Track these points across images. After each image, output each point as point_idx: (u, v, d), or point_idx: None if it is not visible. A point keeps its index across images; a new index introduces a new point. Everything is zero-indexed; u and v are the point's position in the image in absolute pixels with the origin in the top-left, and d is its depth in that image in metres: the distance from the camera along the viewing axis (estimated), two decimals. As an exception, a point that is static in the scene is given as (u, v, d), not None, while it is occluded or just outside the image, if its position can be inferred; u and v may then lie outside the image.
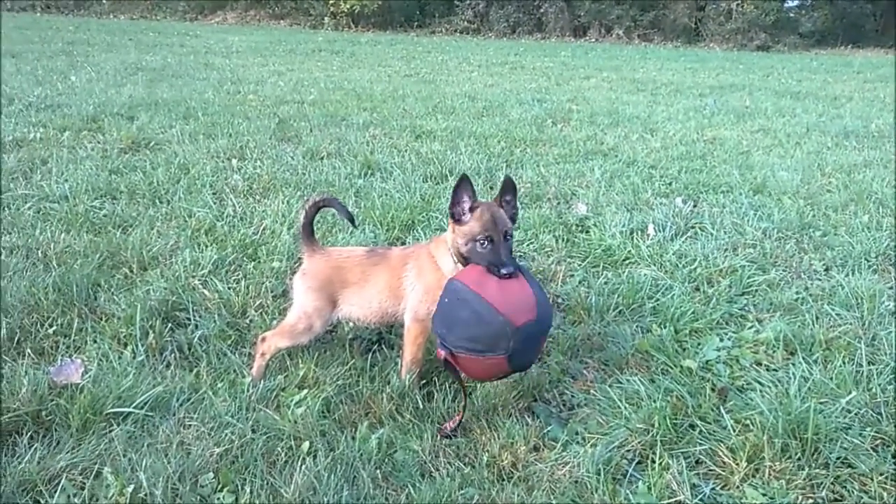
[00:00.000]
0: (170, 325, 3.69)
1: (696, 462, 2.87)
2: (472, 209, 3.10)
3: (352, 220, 3.54)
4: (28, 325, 3.60)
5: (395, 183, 6.40)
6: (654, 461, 2.82)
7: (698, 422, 3.05)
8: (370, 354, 3.51)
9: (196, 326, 3.71)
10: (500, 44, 26.27)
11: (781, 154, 8.73)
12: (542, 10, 29.69)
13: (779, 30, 31.50)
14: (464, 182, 3.09)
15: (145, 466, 2.58)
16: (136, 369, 3.21)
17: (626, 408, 3.13)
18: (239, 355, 3.50)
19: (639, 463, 2.86)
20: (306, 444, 2.77)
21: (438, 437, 2.92)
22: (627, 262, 4.89)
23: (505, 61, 20.77)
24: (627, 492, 2.66)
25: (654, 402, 3.11)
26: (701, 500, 2.67)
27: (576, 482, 2.71)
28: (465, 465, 2.79)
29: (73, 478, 2.56)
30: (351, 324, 3.62)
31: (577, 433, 3.03)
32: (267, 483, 2.57)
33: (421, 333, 3.26)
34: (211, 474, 2.60)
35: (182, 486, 2.53)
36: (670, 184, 6.95)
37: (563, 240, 5.22)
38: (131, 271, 4.31)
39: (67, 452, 2.67)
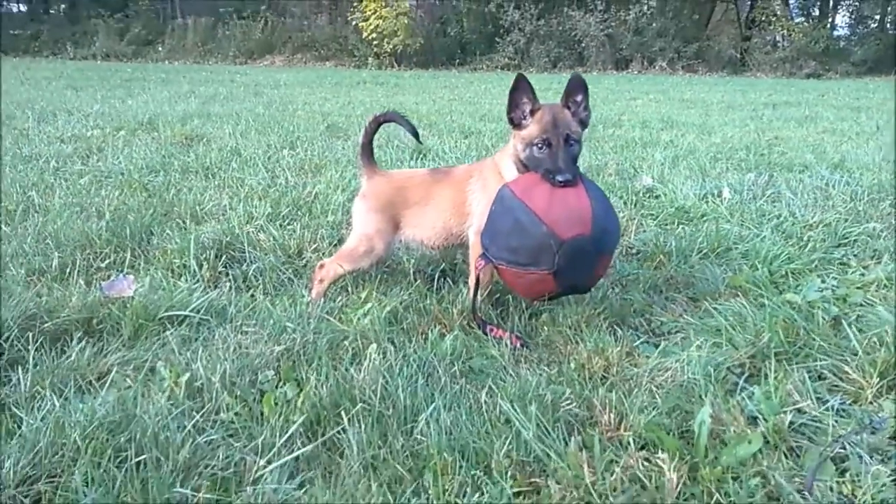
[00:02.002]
0: (224, 258, 3.49)
1: (819, 377, 2.51)
2: (532, 112, 2.84)
3: (416, 135, 3.30)
4: (80, 259, 3.44)
5: (450, 163, 6.19)
6: (766, 375, 2.47)
7: (816, 340, 2.69)
8: (434, 283, 3.24)
9: (251, 262, 3.50)
10: (542, 76, 26.23)
11: (855, 146, 8.27)
12: (582, 45, 29.66)
13: (829, 58, 30.78)
14: (521, 83, 2.83)
15: (202, 359, 2.35)
16: (189, 289, 3.00)
17: (728, 328, 2.78)
18: (298, 283, 3.27)
19: (749, 377, 2.51)
20: (374, 346, 2.50)
21: (517, 346, 2.62)
22: (704, 218, 4.55)
23: (548, 87, 20.62)
24: (742, 397, 2.31)
25: (763, 322, 2.76)
26: (827, 410, 2.30)
27: (681, 386, 2.37)
28: (550, 370, 2.48)
29: (125, 372, 2.34)
30: (412, 252, 3.36)
31: (670, 350, 2.69)
32: (333, 376, 2.30)
33: None
34: (271, 371, 2.35)
35: (240, 380, 2.28)
36: (739, 164, 6.59)
37: (630, 203, 4.91)
38: (184, 222, 4.15)
39: (118, 353, 2.46)
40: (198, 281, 3.18)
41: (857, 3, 35.86)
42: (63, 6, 36.39)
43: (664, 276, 3.54)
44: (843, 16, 36.72)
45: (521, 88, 2.82)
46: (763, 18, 31.87)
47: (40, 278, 3.17)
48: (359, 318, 2.70)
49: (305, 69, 28.21)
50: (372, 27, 28.29)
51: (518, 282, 2.71)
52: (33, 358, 2.38)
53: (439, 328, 2.74)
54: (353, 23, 29.30)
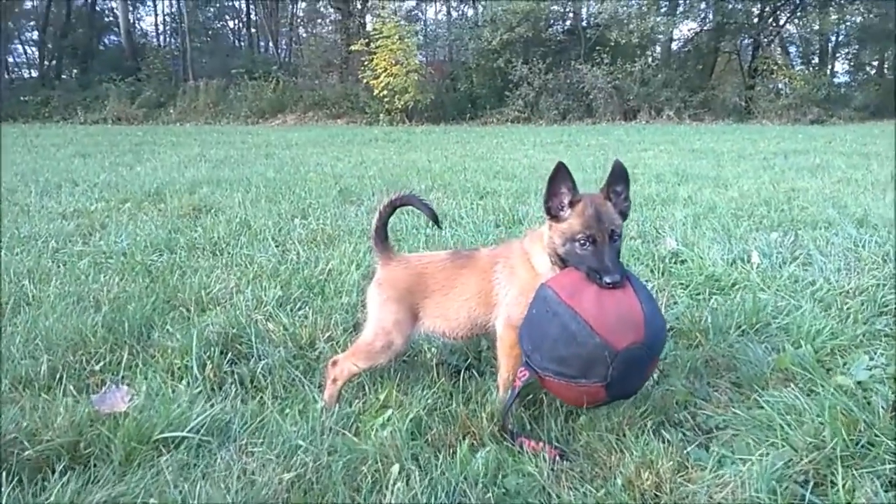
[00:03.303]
0: (230, 355, 3.26)
1: (890, 483, 2.23)
2: (572, 203, 2.63)
3: (436, 220, 3.10)
4: (72, 361, 3.20)
5: (467, 230, 6.00)
6: (833, 482, 2.20)
7: (881, 437, 2.41)
8: (459, 378, 2.99)
9: (259, 357, 3.28)
10: (552, 128, 26.40)
11: (873, 197, 8.04)
12: (591, 97, 29.92)
13: (831, 104, 30.97)
14: (561, 171, 2.62)
15: (200, 497, 2.10)
16: (190, 398, 2.76)
17: (783, 425, 2.51)
18: (309, 384, 3.03)
19: (816, 485, 2.23)
20: (396, 467, 2.25)
21: (556, 459, 2.36)
22: (736, 287, 4.30)
23: (559, 140, 20.69)
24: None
25: (819, 417, 2.50)
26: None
27: (744, 506, 2.10)
28: (595, 488, 2.21)
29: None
30: (434, 343, 3.13)
31: (724, 456, 2.42)
32: (351, 508, 2.04)
33: (517, 342, 2.71)
34: None
35: (246, 517, 2.03)
36: (761, 221, 6.36)
37: (657, 270, 4.68)
38: (188, 311, 3.94)
39: (107, 488, 2.20)
40: (200, 386, 2.94)
41: (855, 51, 36.33)
42: (75, 71, 37.21)
43: (703, 356, 3.29)
44: (843, 63, 37.20)
45: (560, 178, 2.62)
46: (765, 67, 32.24)
47: (26, 389, 2.93)
48: (377, 430, 2.45)
49: (317, 127, 28.47)
50: (382, 84, 28.67)
51: (565, 393, 2.49)
52: (6, 499, 2.14)
53: (468, 438, 2.48)
54: (364, 81, 29.70)
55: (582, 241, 2.54)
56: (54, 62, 37.89)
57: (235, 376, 3.10)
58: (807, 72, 33.04)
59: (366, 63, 29.43)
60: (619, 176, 2.67)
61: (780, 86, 32.11)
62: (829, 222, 6.19)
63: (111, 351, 3.32)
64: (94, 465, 2.35)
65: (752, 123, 29.63)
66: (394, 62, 28.46)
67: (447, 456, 2.36)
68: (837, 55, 36.46)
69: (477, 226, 6.17)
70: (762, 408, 2.73)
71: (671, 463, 2.27)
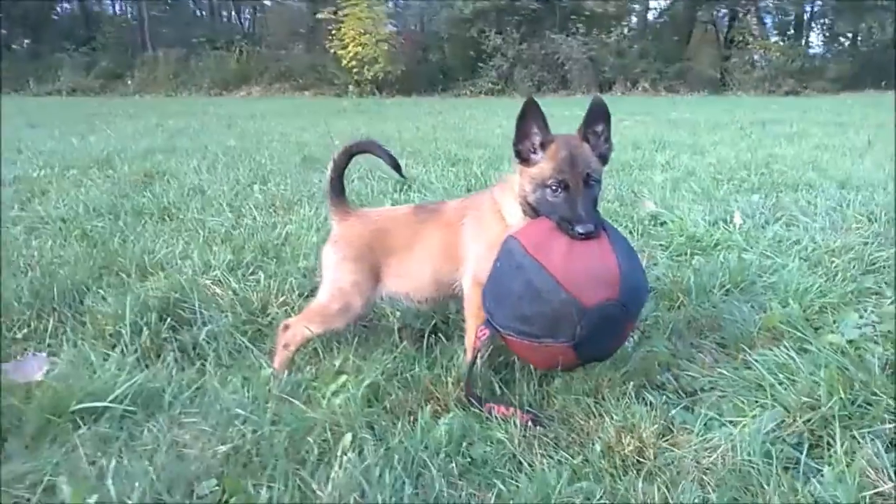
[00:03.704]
0: (170, 320, 2.95)
1: (892, 444, 2.03)
2: (543, 145, 2.34)
3: (397, 167, 2.79)
4: (-11, 329, 2.87)
5: (437, 195, 5.70)
6: (830, 444, 1.99)
7: (880, 396, 2.21)
8: (423, 342, 2.71)
9: (204, 323, 2.97)
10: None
11: (852, 162, 7.90)
12: (566, 68, 29.57)
13: (806, 75, 31.09)
14: (532, 108, 2.33)
15: (118, 473, 1.81)
16: (118, 366, 2.45)
17: (774, 385, 2.30)
18: (258, 351, 2.74)
19: (811, 447, 2.02)
20: (348, 437, 1.98)
21: (528, 425, 2.11)
22: (718, 247, 4.09)
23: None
24: (814, 482, 1.83)
25: (813, 375, 2.29)
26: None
27: (735, 471, 1.87)
28: (571, 455, 1.96)
29: (15, 493, 1.79)
30: (398, 307, 2.85)
31: (711, 418, 2.20)
32: (294, 485, 1.77)
33: None
34: (213, 480, 1.82)
35: (170, 497, 1.74)
36: (741, 184, 6.17)
37: (636, 232, 4.45)
38: (128, 276, 3.60)
39: (14, 463, 1.91)
40: (136, 352, 2.64)
41: (829, 22, 36.37)
42: (26, 41, 35.55)
43: (685, 317, 3.07)
44: (818, 34, 37.24)
45: (530, 115, 2.33)
46: (741, 38, 32.13)
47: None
48: (330, 398, 2.18)
49: (283, 99, 27.73)
50: (351, 55, 27.99)
51: (530, 354, 2.24)
52: None
53: (432, 405, 2.22)
54: (332, 51, 28.97)
55: (553, 187, 2.27)
56: (3, 31, 36.11)
57: (176, 343, 2.80)
58: (782, 43, 33.06)
59: (333, 32, 28.66)
60: (598, 114, 2.39)
61: (755, 57, 32.11)
62: (810, 184, 6.02)
63: (37, 318, 2.99)
64: (5, 440, 2.04)
65: (727, 95, 29.62)
66: (362, 31, 27.78)
67: (407, 424, 2.10)
68: (812, 26, 36.50)
69: (447, 191, 5.87)
70: (750, 368, 2.52)
71: (655, 427, 2.04)
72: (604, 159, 2.40)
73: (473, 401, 2.23)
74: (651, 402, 2.22)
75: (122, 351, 2.67)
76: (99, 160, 7.93)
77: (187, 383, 2.38)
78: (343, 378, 2.31)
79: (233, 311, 3.10)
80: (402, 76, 29.05)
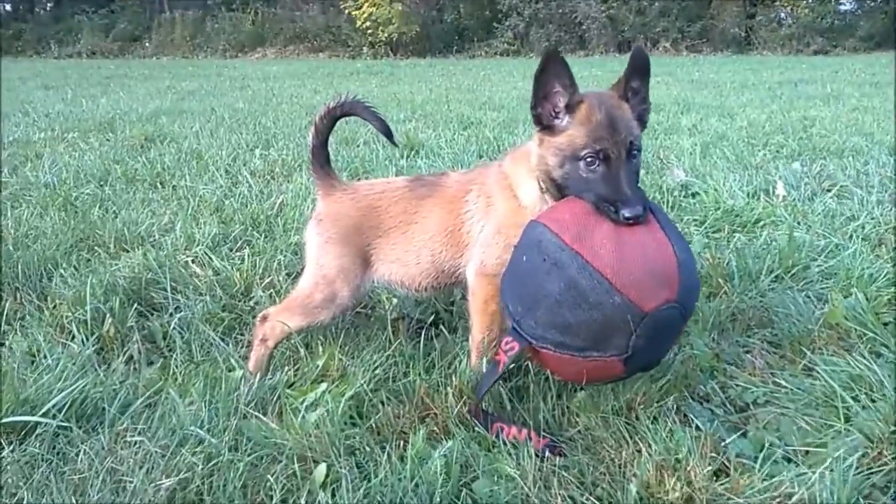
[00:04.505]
0: (137, 306, 2.59)
1: None
2: (570, 107, 1.88)
3: (388, 133, 2.37)
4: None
5: (445, 161, 5.28)
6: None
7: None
8: (422, 339, 2.32)
9: (178, 309, 2.61)
10: (543, 62, 25.37)
11: (896, 125, 7.33)
12: (583, 28, 28.63)
13: (836, 34, 29.88)
14: (554, 61, 1.86)
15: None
16: (72, 364, 2.10)
17: (846, 402, 1.88)
18: (233, 345, 2.38)
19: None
20: (321, 469, 1.60)
21: (544, 452, 1.72)
22: (761, 223, 3.64)
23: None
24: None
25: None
26: None
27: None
28: (599, 499, 1.58)
29: None
30: (394, 293, 2.47)
31: (768, 445, 1.79)
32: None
33: (493, 296, 2.04)
34: (151, 528, 1.45)
35: (93, 549, 1.39)
36: (778, 150, 5.66)
37: (665, 204, 4.00)
38: (107, 252, 3.25)
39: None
40: (96, 343, 2.28)
41: (861, -24, 34.79)
42: (49, 4, 35.34)
43: (728, 309, 2.65)
44: (848, -11, 35.66)
45: (552, 71, 1.86)
46: (767, -6, 30.85)
47: None
48: (304, 414, 1.80)
49: (298, 61, 27.21)
50: (365, 15, 27.31)
51: (565, 368, 1.82)
52: None
53: (427, 423, 1.83)
54: (346, 11, 28.27)
55: (589, 159, 1.82)
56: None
57: (142, 333, 2.45)
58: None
59: (348, -8, 28.00)
60: (640, 67, 1.93)
61: (781, 15, 30.84)
62: (857, 150, 5.49)
63: (-4, 299, 2.65)
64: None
65: (752, 54, 28.62)
66: (377, -10, 27.08)
67: (395, 449, 1.71)
68: (843, -20, 34.96)
69: (457, 156, 5.44)
70: (812, 376, 2.11)
71: (706, 465, 1.62)
72: (642, 123, 1.94)
73: (479, 420, 1.84)
74: (697, 426, 1.81)
75: (82, 341, 2.33)
76: (101, 123, 7.58)
77: (144, 386, 2.01)
78: (322, 387, 1.93)
79: (211, 295, 2.75)
80: (417, 37, 28.35)
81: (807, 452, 1.76)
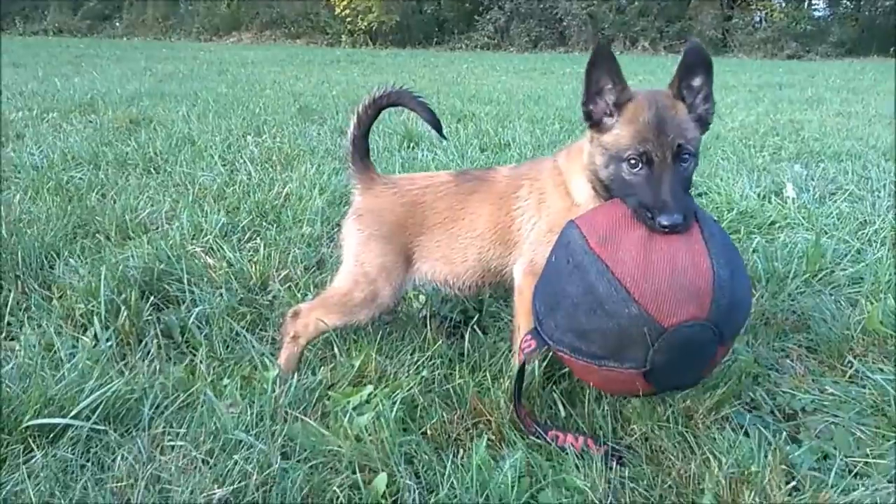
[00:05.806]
0: (153, 299, 2.46)
1: None
2: (619, 105, 1.81)
3: (437, 126, 2.27)
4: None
5: (447, 153, 5.19)
6: None
7: None
8: (460, 339, 2.24)
9: (194, 303, 2.49)
10: (523, 56, 25.24)
11: (884, 130, 7.42)
12: (564, 24, 28.69)
13: (809, 39, 30.41)
14: (603, 54, 1.80)
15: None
16: (91, 360, 1.97)
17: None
18: (258, 341, 2.26)
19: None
20: (382, 478, 1.51)
21: (607, 462, 1.65)
22: (776, 225, 3.62)
23: (533, 68, 19.67)
24: None
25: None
26: None
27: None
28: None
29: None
30: (423, 291, 2.38)
31: (824, 456, 1.75)
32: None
33: None
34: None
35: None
36: (776, 153, 5.69)
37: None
38: (108, 239, 3.10)
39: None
40: (112, 338, 2.16)
41: (834, -18, 35.39)
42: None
43: (760, 312, 2.61)
44: (821, -4, 36.25)
45: (602, 65, 1.79)
46: (744, -3, 31.29)
47: None
48: (353, 418, 1.70)
49: (275, 46, 26.82)
50: (345, 3, 27.00)
51: (590, 377, 1.75)
52: None
53: (483, 429, 1.75)
54: (324, -2, 28.00)
55: (632, 161, 1.74)
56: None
57: (160, 327, 2.32)
58: (786, 4, 32.25)
59: (326, -22, 27.66)
60: (698, 64, 1.83)
61: (757, 18, 31.31)
62: (854, 154, 5.53)
63: (-4, 289, 2.50)
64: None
65: (728, 57, 28.95)
66: (356, -23, 26.80)
67: (454, 458, 1.63)
68: (816, -13, 35.56)
69: (459, 149, 5.34)
70: (857, 383, 2.07)
71: (782, 478, 1.56)
72: (703, 124, 1.86)
73: (532, 426, 1.75)
74: (766, 437, 1.74)
75: (95, 336, 2.20)
76: (81, 104, 7.33)
77: (174, 387, 1.90)
78: (368, 389, 1.83)
79: (227, 288, 2.62)
80: (396, 27, 28.17)
81: (866, 464, 1.73)
